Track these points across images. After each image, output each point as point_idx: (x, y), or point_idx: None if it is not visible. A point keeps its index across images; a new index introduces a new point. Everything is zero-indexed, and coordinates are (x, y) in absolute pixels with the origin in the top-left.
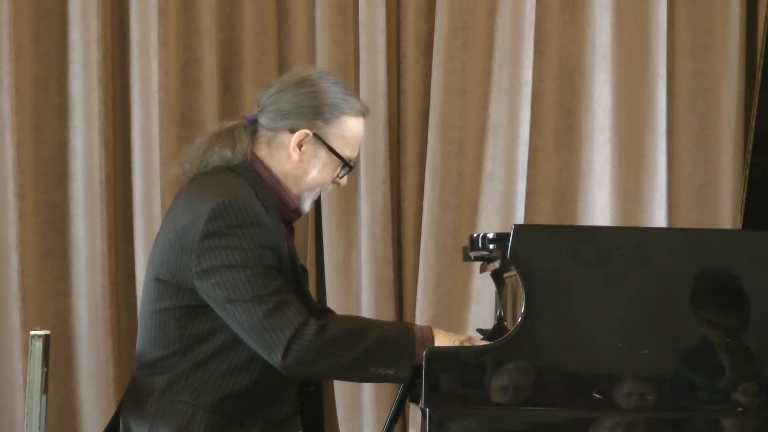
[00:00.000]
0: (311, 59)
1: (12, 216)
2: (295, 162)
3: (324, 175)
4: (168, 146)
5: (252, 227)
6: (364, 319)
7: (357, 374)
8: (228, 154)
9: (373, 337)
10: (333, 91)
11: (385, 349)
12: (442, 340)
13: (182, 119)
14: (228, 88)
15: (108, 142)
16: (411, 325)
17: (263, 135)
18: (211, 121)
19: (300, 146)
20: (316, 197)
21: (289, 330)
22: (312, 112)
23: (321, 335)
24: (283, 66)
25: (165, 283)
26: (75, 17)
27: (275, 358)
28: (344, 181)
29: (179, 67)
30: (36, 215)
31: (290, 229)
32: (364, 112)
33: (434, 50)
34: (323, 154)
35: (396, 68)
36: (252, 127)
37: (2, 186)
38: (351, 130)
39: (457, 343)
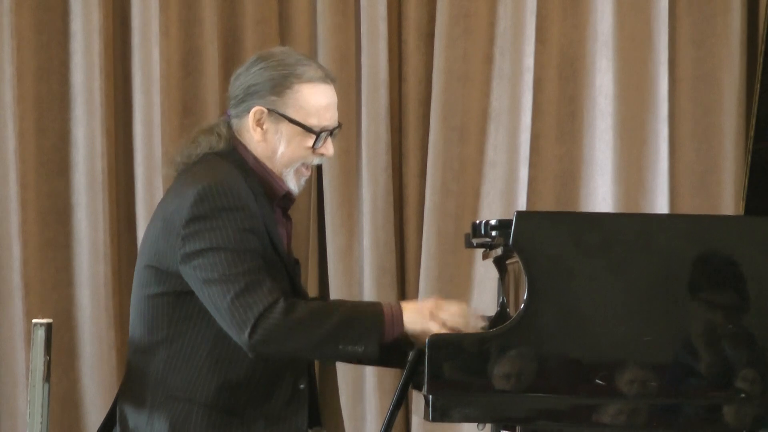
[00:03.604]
0: (312, 47)
1: (14, 206)
2: (261, 141)
3: (294, 149)
4: (170, 135)
5: (236, 211)
6: (334, 300)
7: (326, 352)
8: (213, 141)
9: (340, 315)
10: (283, 64)
11: (352, 327)
12: (411, 313)
13: (184, 108)
14: (229, 77)
15: (110, 132)
16: (380, 304)
17: (234, 124)
18: (213, 110)
19: (261, 125)
20: (302, 176)
21: (257, 309)
22: (263, 88)
23: (288, 315)
24: None
25: (154, 270)
26: (76, 7)
27: (243, 338)
28: (328, 150)
29: (181, 55)
30: (38, 205)
31: (287, 218)
32: (323, 78)
33: (436, 37)
34: (284, 127)
35: (397, 55)
36: (230, 119)
37: (4, 176)
38: (309, 99)
39: (426, 312)
